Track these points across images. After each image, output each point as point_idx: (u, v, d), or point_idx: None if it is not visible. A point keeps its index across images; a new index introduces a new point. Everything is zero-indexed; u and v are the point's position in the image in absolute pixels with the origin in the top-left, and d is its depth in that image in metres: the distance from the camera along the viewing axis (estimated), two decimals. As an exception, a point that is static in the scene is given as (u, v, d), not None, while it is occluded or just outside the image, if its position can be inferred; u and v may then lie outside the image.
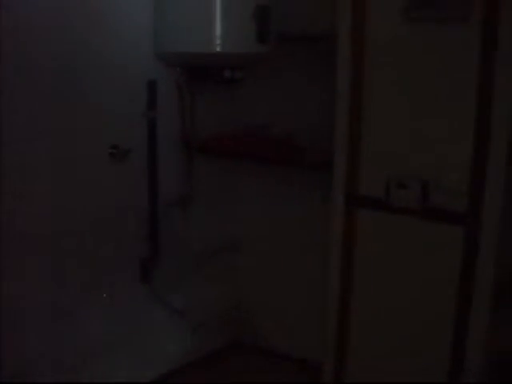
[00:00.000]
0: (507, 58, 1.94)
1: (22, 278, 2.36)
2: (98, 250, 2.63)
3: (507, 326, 2.36)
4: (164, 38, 2.62)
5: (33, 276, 2.40)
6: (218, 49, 2.51)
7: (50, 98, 2.36)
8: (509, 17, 1.91)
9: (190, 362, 3.06)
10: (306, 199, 2.99)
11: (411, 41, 2.17)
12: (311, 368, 2.93)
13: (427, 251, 2.22)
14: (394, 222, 2.28)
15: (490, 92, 1.99)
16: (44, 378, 2.38)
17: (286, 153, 2.82)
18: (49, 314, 2.47)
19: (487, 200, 2.04)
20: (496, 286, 2.09)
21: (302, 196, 3.02)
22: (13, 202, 2.26)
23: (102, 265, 2.67)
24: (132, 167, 2.69)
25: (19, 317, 2.36)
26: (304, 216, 3.03)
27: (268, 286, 3.29)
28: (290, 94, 3.01)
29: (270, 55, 2.67)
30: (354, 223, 2.40)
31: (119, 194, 2.69)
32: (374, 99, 2.29)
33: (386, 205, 2.27)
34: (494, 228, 2.04)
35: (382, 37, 2.23)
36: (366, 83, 2.29)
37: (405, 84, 2.21)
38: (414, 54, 2.17)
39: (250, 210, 3.30)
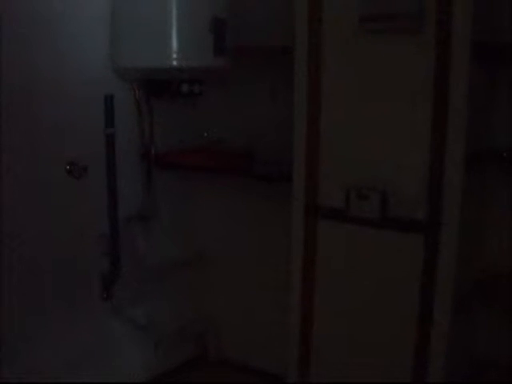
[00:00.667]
0: (461, 67, 1.98)
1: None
2: (57, 267, 2.59)
3: (470, 329, 2.41)
4: (121, 53, 2.60)
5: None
6: (175, 63, 2.50)
7: (5, 115, 2.32)
8: (461, 27, 1.95)
9: (154, 376, 3.04)
10: (268, 211, 3.00)
11: (367, 52, 2.19)
12: (276, 381, 2.93)
13: (388, 260, 2.24)
14: (355, 231, 2.30)
15: (445, 101, 2.02)
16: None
17: (245, 165, 2.82)
18: (11, 331, 2.42)
19: (446, 207, 2.07)
20: (458, 291, 2.13)
21: (263, 208, 3.03)
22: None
23: (62, 281, 2.62)
24: (91, 183, 2.65)
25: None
26: (266, 228, 3.05)
27: (231, 299, 3.29)
28: (250, 106, 3.03)
29: (228, 68, 2.67)
30: (314, 234, 2.41)
31: (78, 211, 2.65)
32: (332, 110, 2.30)
33: (347, 215, 2.29)
34: (453, 235, 2.08)
35: (338, 48, 2.26)
36: (324, 94, 2.31)
37: (362, 95, 2.23)
38: (371, 64, 2.20)
39: (212, 223, 3.30)
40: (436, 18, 2.00)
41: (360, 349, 2.36)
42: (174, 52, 2.48)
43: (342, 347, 2.40)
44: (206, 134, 3.12)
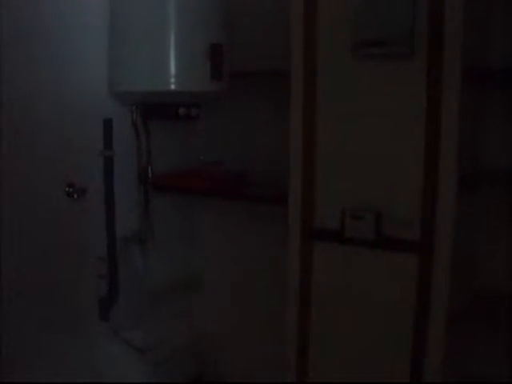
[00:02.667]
0: (452, 91, 2.01)
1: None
2: (54, 289, 2.61)
3: (466, 347, 2.42)
4: (118, 77, 2.63)
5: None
6: (173, 87, 2.52)
7: (5, 136, 2.35)
8: (452, 52, 2.00)
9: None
10: (265, 234, 3.02)
11: (361, 76, 2.23)
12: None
13: (383, 279, 2.26)
14: (350, 253, 2.32)
15: (438, 124, 2.06)
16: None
17: (241, 188, 2.85)
18: (7, 353, 2.43)
19: (439, 228, 2.09)
20: (453, 309, 2.15)
21: (260, 231, 3.05)
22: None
23: (59, 303, 2.63)
24: (89, 205, 2.68)
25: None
26: (263, 250, 3.06)
27: (229, 319, 3.29)
28: (246, 129, 3.07)
29: (225, 92, 2.71)
30: (310, 256, 2.42)
31: (76, 233, 2.67)
32: (327, 133, 2.33)
33: (342, 236, 2.31)
34: (446, 255, 2.09)
35: (333, 73, 2.29)
36: (319, 118, 2.34)
37: (357, 118, 2.26)
38: (365, 88, 2.23)
39: (210, 246, 3.32)
40: (427, 42, 2.04)
41: (355, 368, 2.36)
42: (172, 76, 2.51)
43: (337, 366, 2.41)
44: (202, 158, 3.17)
